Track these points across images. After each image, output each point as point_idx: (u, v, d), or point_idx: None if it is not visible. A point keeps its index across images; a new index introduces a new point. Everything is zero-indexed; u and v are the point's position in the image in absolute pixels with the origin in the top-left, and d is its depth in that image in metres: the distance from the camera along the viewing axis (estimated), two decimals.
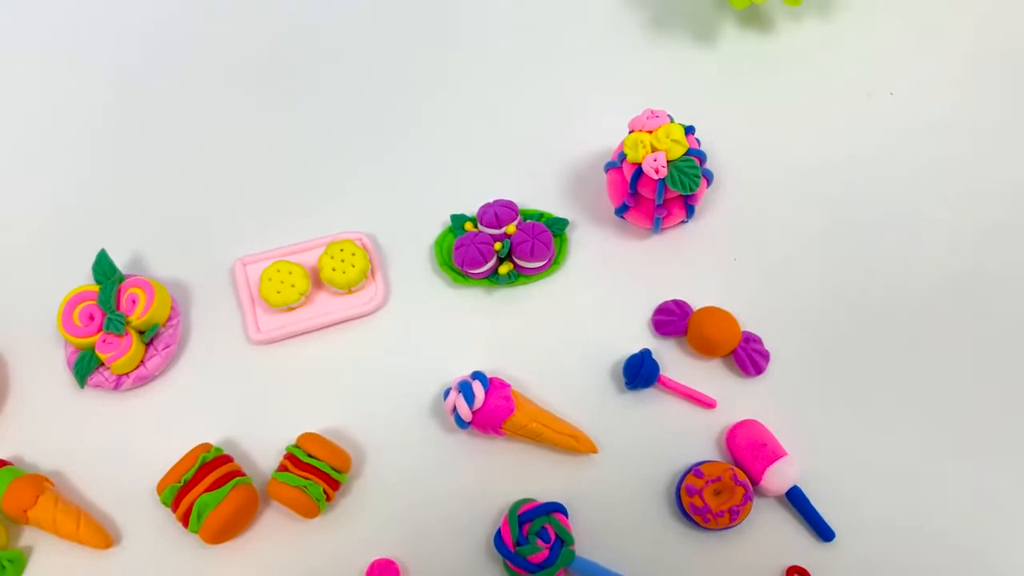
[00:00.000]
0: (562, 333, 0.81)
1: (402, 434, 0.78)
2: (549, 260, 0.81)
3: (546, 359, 0.80)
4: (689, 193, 0.77)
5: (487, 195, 0.85)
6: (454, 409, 0.75)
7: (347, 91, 0.93)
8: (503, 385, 0.76)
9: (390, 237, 0.85)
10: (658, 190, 0.77)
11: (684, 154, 0.76)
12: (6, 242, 0.85)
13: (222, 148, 0.90)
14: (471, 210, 0.85)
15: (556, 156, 0.89)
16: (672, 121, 0.77)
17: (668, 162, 0.75)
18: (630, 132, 0.78)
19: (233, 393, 0.80)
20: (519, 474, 0.76)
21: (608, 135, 0.87)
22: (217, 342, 0.81)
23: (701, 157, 0.77)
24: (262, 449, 0.77)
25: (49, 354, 0.81)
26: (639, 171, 0.77)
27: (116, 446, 0.78)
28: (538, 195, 0.86)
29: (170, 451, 0.76)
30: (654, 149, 0.76)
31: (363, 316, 0.82)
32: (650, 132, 0.77)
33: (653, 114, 0.77)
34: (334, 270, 0.79)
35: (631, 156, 0.77)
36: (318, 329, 0.81)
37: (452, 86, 0.93)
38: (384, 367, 0.80)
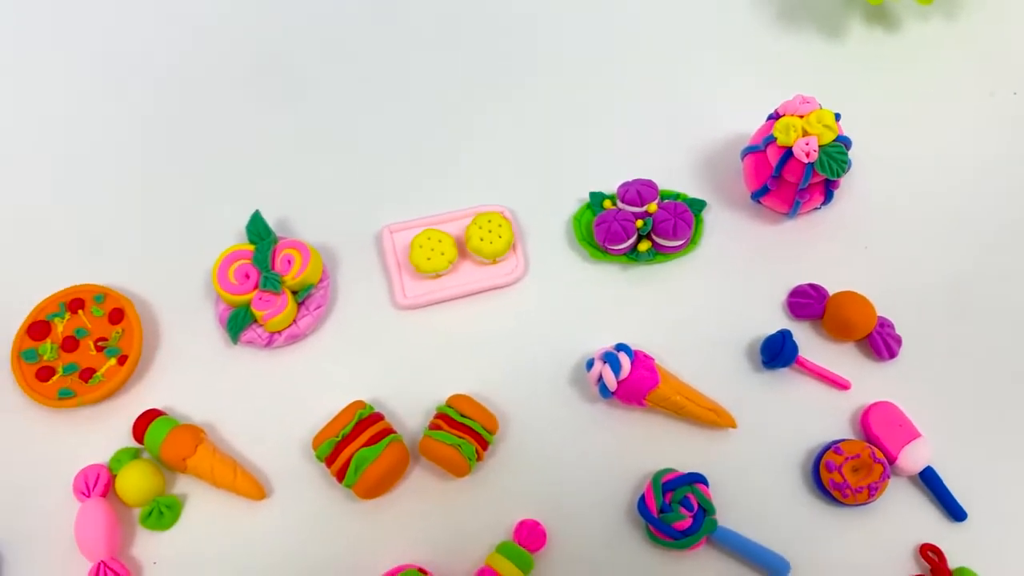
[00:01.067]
0: (697, 311, 0.83)
1: (542, 401, 0.80)
2: (687, 240, 0.84)
3: (681, 336, 0.82)
4: (835, 178, 0.79)
5: (620, 175, 0.87)
6: (599, 379, 0.77)
7: (491, 68, 0.95)
8: (648, 358, 0.78)
9: (527, 212, 0.87)
10: (805, 174, 0.79)
11: (833, 140, 0.78)
12: (158, 202, 0.88)
13: (365, 120, 0.92)
14: (604, 188, 0.87)
15: (687, 140, 0.91)
16: (822, 108, 0.79)
17: (819, 147, 0.78)
18: (779, 117, 0.81)
19: (378, 355, 0.82)
20: (656, 445, 0.79)
21: (738, 122, 0.90)
22: (363, 306, 0.84)
23: (848, 143, 0.79)
24: (406, 410, 0.80)
25: (199, 311, 0.83)
26: (788, 155, 0.79)
27: (265, 402, 0.80)
28: (670, 177, 0.89)
29: (318, 408, 0.79)
30: (805, 133, 0.78)
31: (504, 287, 0.84)
32: (801, 117, 0.79)
33: (804, 100, 0.79)
34: (482, 240, 0.82)
35: (781, 139, 0.79)
36: (461, 297, 0.83)
37: (589, 69, 0.95)
38: (523, 337, 0.83)
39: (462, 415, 0.76)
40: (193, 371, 0.81)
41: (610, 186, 0.87)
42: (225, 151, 0.91)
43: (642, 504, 0.75)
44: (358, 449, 0.74)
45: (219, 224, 0.86)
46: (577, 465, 0.78)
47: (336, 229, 0.87)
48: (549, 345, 0.82)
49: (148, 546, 0.76)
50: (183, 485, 0.78)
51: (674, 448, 0.79)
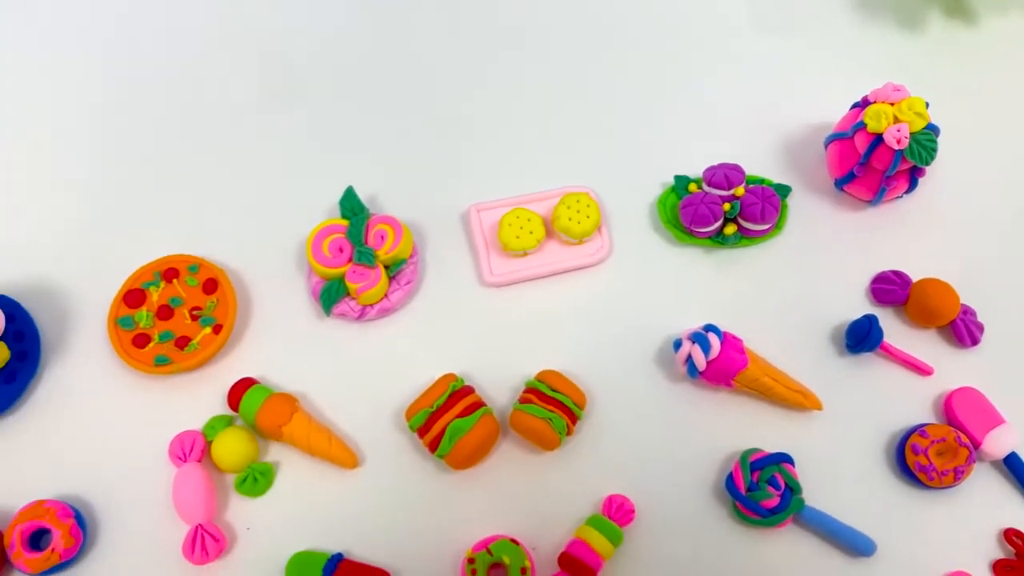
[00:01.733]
0: (780, 296, 0.84)
1: (626, 380, 0.81)
2: (773, 224, 0.85)
3: (764, 319, 0.83)
4: (924, 165, 0.80)
5: (701, 160, 0.88)
6: (687, 358, 0.78)
7: (576, 53, 0.97)
8: (736, 339, 0.79)
9: (609, 194, 0.89)
10: (894, 161, 0.80)
11: (923, 128, 0.79)
12: (249, 177, 0.90)
13: (452, 102, 0.94)
14: (685, 173, 0.88)
15: (766, 128, 0.92)
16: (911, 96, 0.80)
17: (909, 134, 0.79)
18: (869, 104, 0.82)
19: (465, 330, 0.83)
20: (740, 425, 0.80)
21: (816, 111, 0.91)
22: (450, 282, 0.85)
23: (936, 131, 0.80)
24: (493, 385, 0.81)
25: (289, 284, 0.85)
26: (876, 142, 0.80)
27: (355, 373, 0.82)
28: (751, 164, 0.90)
29: (407, 381, 0.80)
30: (896, 120, 0.79)
31: (589, 267, 0.85)
32: (892, 104, 0.80)
33: (896, 88, 0.80)
34: (570, 220, 0.83)
35: (872, 126, 0.80)
36: (546, 276, 0.85)
37: (670, 56, 0.96)
38: (607, 316, 0.84)
39: (553, 389, 0.77)
40: (284, 342, 0.83)
41: (691, 171, 0.88)
42: (315, 129, 0.92)
43: (730, 482, 0.76)
44: (452, 420, 0.75)
45: (308, 200, 0.88)
46: (663, 443, 0.79)
47: (422, 208, 0.88)
48: (633, 325, 0.83)
49: (241, 512, 0.77)
50: (275, 453, 0.79)
51: (758, 429, 0.79)
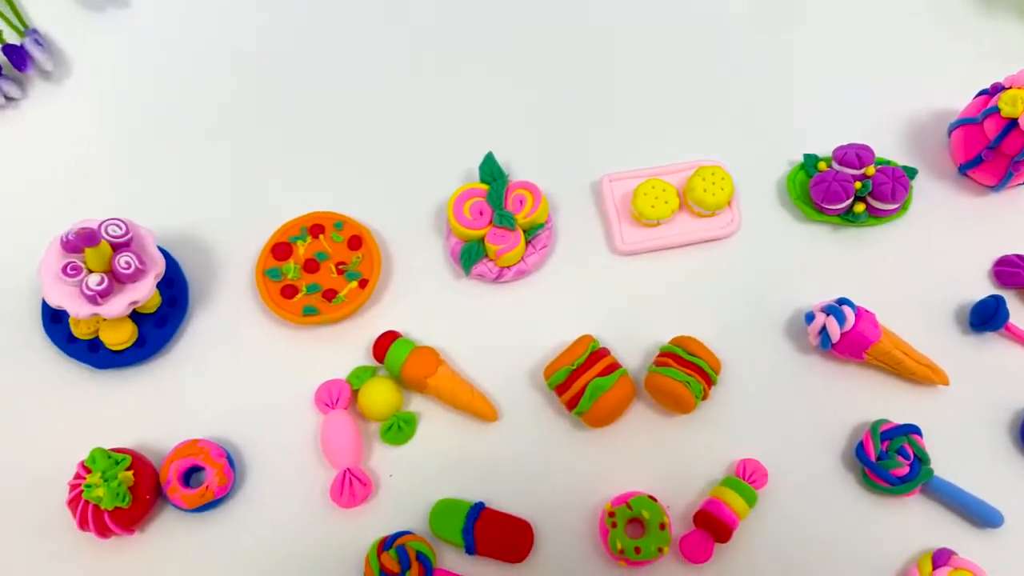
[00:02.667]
0: (904, 274, 0.86)
1: (755, 349, 0.84)
2: (901, 204, 0.87)
3: (889, 295, 0.85)
4: None
5: (827, 140, 0.90)
6: (821, 330, 0.81)
7: (710, 29, 0.99)
8: (869, 313, 0.81)
9: (738, 169, 0.90)
10: None
11: None
12: (390, 142, 0.92)
13: (583, 75, 0.96)
14: (813, 151, 0.90)
15: (890, 112, 0.94)
16: None
17: None
18: (1002, 90, 0.84)
19: (596, 296, 0.86)
20: (868, 396, 0.82)
21: (938, 98, 0.94)
22: (581, 249, 0.87)
23: None
24: (624, 349, 0.83)
25: (427, 245, 0.88)
26: (1010, 126, 0.82)
27: (491, 332, 0.84)
28: (875, 146, 0.91)
29: (540, 342, 0.83)
30: None
31: (718, 239, 0.87)
32: None
33: None
34: (705, 191, 0.85)
35: (1007, 111, 0.82)
36: (676, 247, 0.87)
37: (803, 38, 0.99)
38: (736, 288, 0.86)
39: (690, 353, 0.79)
40: (423, 299, 0.85)
41: (817, 150, 0.90)
42: (453, 99, 0.95)
43: (861, 450, 0.78)
44: (592, 379, 0.78)
45: (444, 166, 0.90)
46: (792, 411, 0.81)
47: (553, 177, 0.90)
48: (761, 297, 0.85)
49: (384, 460, 0.80)
50: (416, 405, 0.82)
51: (885, 401, 0.81)
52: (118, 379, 0.82)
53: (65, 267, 0.75)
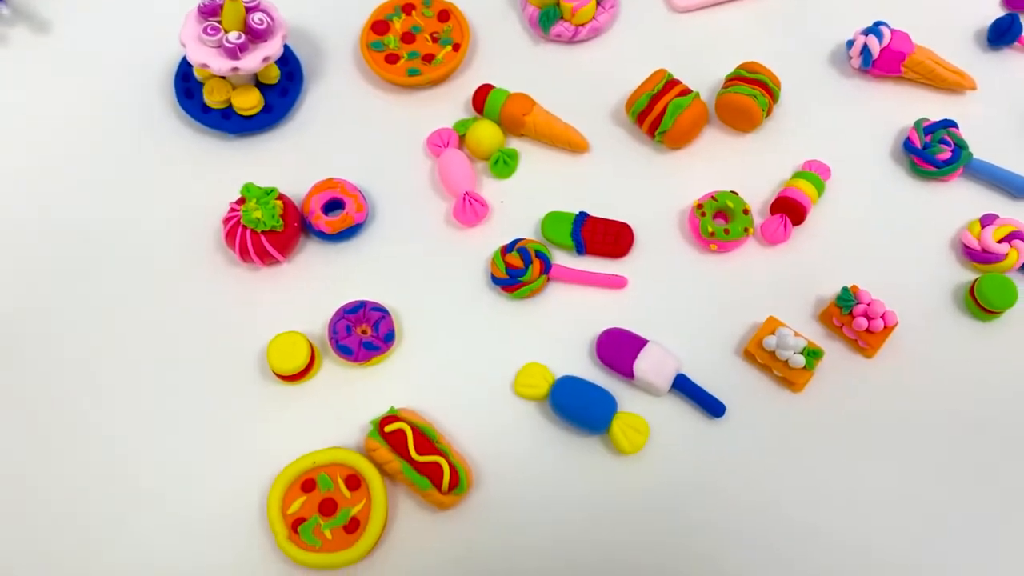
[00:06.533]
0: (929, 7, 0.98)
1: (810, 75, 0.95)
2: None
3: (917, 22, 0.95)
4: None
5: None
6: (863, 48, 0.92)
7: None
8: (902, 31, 0.93)
9: None
10: None
11: None
12: None
13: None
14: None
15: None
16: None
17: None
18: None
19: (663, 46, 0.97)
20: (909, 104, 0.93)
21: None
22: (645, 9, 0.99)
23: None
24: (694, 85, 0.93)
25: (505, 18, 0.98)
26: None
27: (571, 87, 0.95)
28: None
29: (616, 89, 0.94)
30: None
31: None
32: None
33: None
34: None
35: None
36: (726, 1, 0.98)
37: None
38: (783, 30, 0.97)
39: (752, 72, 0.90)
40: (510, 64, 0.96)
41: None
42: None
43: (908, 142, 0.90)
44: (671, 100, 0.89)
45: None
46: (844, 119, 0.93)
47: None
48: (806, 35, 0.97)
49: (494, 191, 0.90)
50: (515, 146, 0.92)
51: (923, 107, 0.93)
52: (251, 144, 0.92)
53: (205, 29, 0.85)
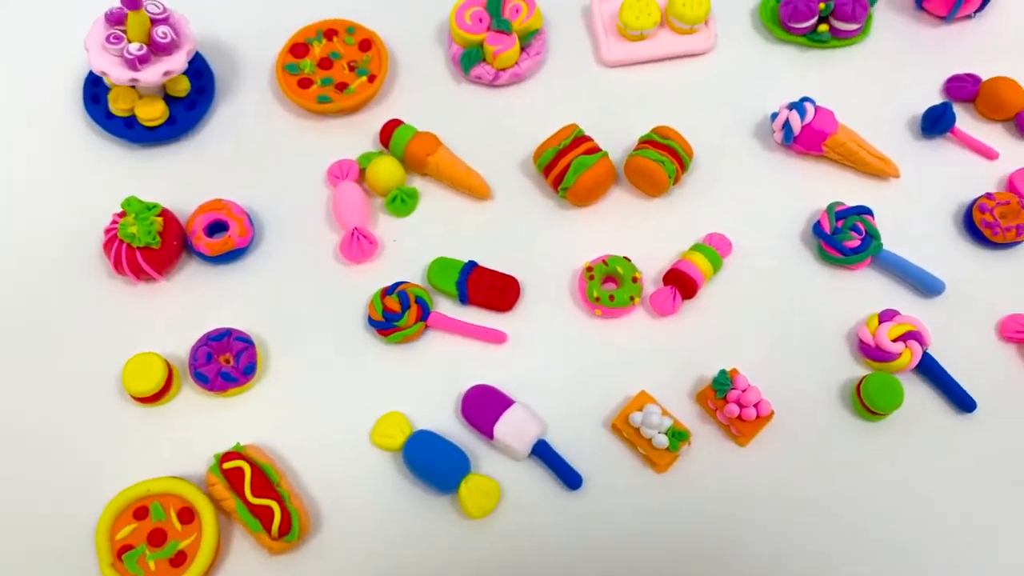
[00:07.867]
0: (864, 90, 0.95)
1: (725, 145, 0.93)
2: (861, 26, 0.95)
3: (850, 107, 0.92)
4: None
5: None
6: (785, 123, 0.89)
7: None
8: (828, 109, 0.90)
9: None
10: None
11: None
12: None
13: None
14: None
15: None
16: None
17: None
18: None
19: (585, 98, 0.95)
20: (826, 186, 0.91)
21: None
22: (571, 60, 0.96)
23: None
24: (611, 141, 0.91)
25: (430, 53, 0.97)
26: None
27: (486, 129, 0.93)
28: None
29: (531, 136, 0.90)
30: None
31: (696, 55, 0.96)
32: None
33: None
34: (684, 5, 0.94)
35: None
36: (657, 61, 0.96)
37: None
38: (710, 97, 0.95)
39: (664, 138, 0.88)
40: (426, 100, 0.94)
41: None
42: None
43: (817, 226, 0.87)
44: (576, 156, 0.86)
45: None
46: (756, 197, 0.90)
47: None
48: (733, 104, 0.94)
49: (388, 229, 0.88)
50: (417, 186, 0.90)
51: (841, 190, 0.90)
52: (150, 155, 0.91)
53: (108, 36, 0.84)
